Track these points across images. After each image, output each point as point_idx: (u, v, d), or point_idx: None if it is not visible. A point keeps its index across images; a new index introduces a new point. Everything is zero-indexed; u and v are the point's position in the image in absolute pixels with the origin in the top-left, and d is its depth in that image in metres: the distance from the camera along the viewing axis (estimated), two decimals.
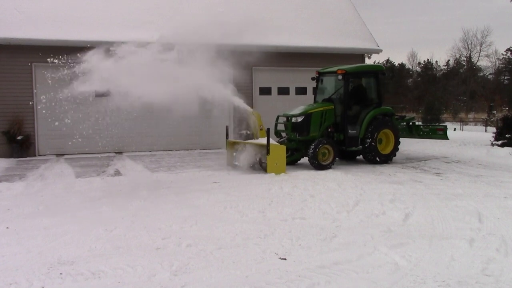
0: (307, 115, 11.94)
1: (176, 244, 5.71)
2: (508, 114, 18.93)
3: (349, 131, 12.30)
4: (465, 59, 66.90)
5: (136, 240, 5.88)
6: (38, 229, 6.40)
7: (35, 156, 14.96)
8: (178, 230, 6.35)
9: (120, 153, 15.69)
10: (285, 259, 5.20)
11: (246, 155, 11.34)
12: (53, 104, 15.19)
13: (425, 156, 14.35)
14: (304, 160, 12.47)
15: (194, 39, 10.27)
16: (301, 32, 17.82)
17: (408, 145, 17.28)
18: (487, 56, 68.57)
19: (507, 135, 16.28)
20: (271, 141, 11.08)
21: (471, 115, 54.32)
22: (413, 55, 75.72)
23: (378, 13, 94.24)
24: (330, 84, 13.26)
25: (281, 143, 11.79)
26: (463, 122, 41.88)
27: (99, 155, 15.06)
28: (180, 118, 16.47)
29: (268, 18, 18.01)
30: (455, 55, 68.00)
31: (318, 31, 18.21)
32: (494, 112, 46.17)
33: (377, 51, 18.77)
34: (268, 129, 10.98)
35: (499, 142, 16.31)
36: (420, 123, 15.58)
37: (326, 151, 11.79)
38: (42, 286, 4.50)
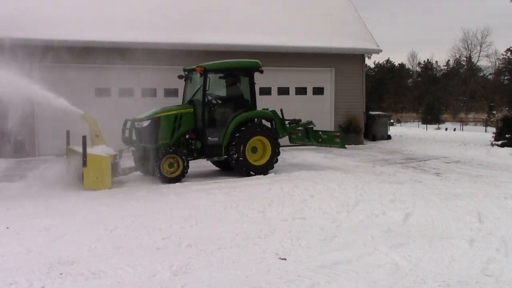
0: (154, 119, 10.20)
1: (176, 244, 5.71)
2: (508, 114, 18.95)
3: (209, 138, 10.57)
4: (465, 59, 66.93)
5: (136, 240, 5.88)
6: (38, 229, 6.40)
7: (35, 156, 14.95)
8: (178, 230, 6.35)
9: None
10: (285, 259, 5.20)
11: (73, 166, 9.63)
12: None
13: (425, 156, 14.34)
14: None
15: None
16: (301, 32, 17.83)
17: (408, 145, 17.30)
18: (487, 56, 68.60)
19: (507, 135, 16.28)
20: (94, 150, 9.47)
21: (471, 115, 54.32)
22: (413, 55, 75.73)
23: (378, 13, 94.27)
24: (195, 84, 11.34)
25: (133, 152, 10.53)
26: (463, 122, 41.86)
27: None
28: None
29: (268, 18, 18.04)
30: (455, 55, 68.04)
31: (318, 31, 18.21)
32: (494, 112, 46.20)
33: (377, 51, 18.79)
34: (84, 137, 9.18)
35: (499, 142, 16.30)
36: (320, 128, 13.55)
37: (174, 161, 10.08)
38: (42, 286, 4.50)
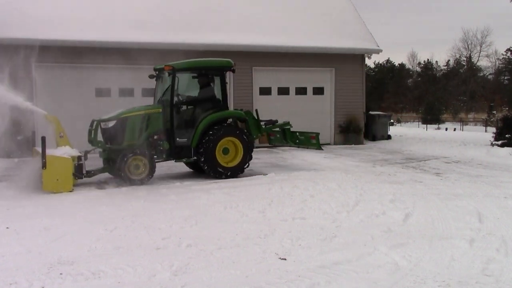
0: (121, 119, 10.01)
1: (176, 244, 5.71)
2: (508, 114, 18.95)
3: (177, 139, 10.36)
4: (465, 59, 66.93)
5: (136, 240, 5.88)
6: (38, 229, 6.40)
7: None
8: (178, 230, 6.35)
9: None
10: (285, 259, 5.20)
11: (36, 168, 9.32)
12: (53, 103, 15.25)
13: (425, 156, 14.34)
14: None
15: None
16: (301, 32, 17.83)
17: (408, 145, 17.30)
18: (487, 56, 68.59)
19: (507, 135, 16.28)
20: (57, 151, 9.35)
21: (471, 115, 54.33)
22: (413, 55, 75.67)
23: (378, 13, 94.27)
24: (165, 83, 11.17)
25: (100, 153, 10.36)
26: (463, 122, 41.87)
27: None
28: None
29: (268, 18, 18.04)
30: (455, 55, 68.05)
31: (318, 31, 18.22)
32: (494, 112, 46.20)
33: (377, 51, 18.79)
34: (43, 137, 8.92)
35: (499, 142, 16.30)
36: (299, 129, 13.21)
37: (140, 163, 9.86)
38: (42, 286, 4.50)
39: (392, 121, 33.02)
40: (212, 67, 11.12)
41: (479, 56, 66.44)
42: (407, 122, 49.36)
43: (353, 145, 17.72)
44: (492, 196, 8.32)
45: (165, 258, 5.19)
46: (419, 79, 68.06)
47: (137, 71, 16.13)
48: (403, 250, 5.41)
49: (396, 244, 5.65)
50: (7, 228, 6.49)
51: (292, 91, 18.14)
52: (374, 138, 19.90)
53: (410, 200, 7.93)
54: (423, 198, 8.11)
